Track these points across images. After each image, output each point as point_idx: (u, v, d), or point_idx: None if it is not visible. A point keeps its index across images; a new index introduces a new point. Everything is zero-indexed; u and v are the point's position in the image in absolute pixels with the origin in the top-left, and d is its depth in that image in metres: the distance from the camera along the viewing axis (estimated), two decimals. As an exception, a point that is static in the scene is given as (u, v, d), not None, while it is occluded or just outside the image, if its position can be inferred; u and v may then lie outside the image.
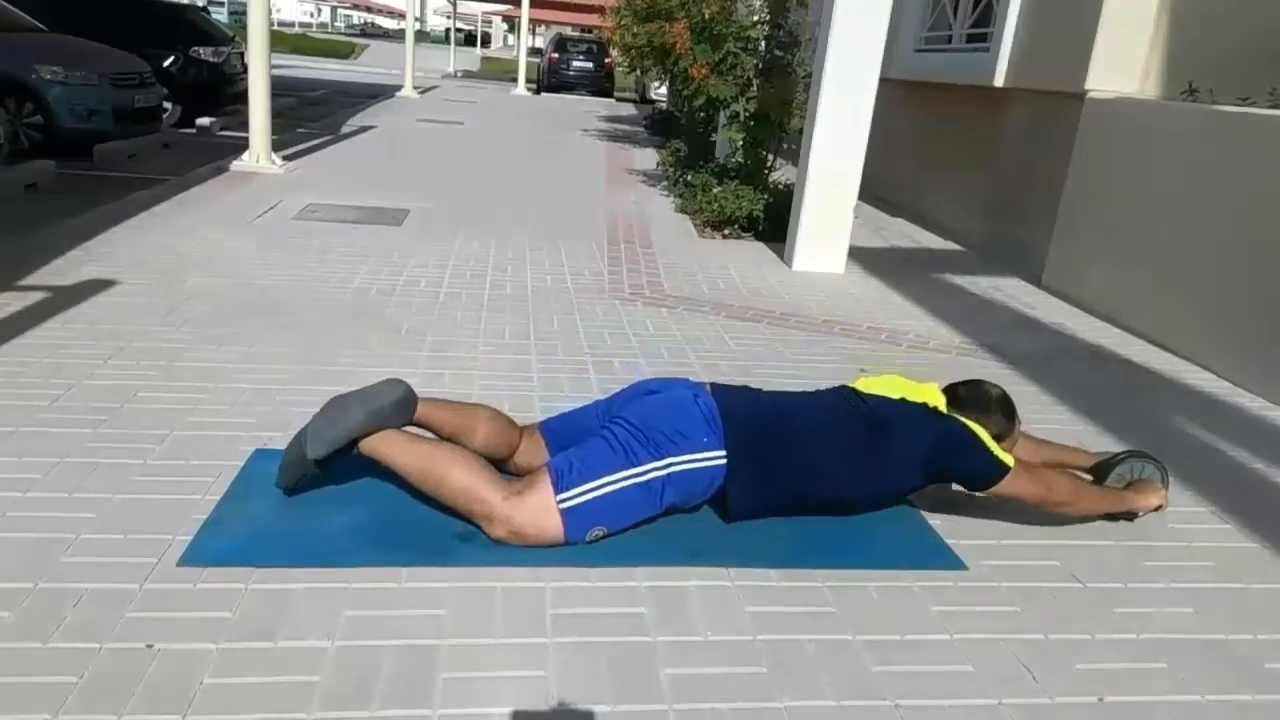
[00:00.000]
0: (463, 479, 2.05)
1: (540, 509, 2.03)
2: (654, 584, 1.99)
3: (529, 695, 1.63)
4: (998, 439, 2.26)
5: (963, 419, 2.24)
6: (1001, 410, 2.35)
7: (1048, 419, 3.15)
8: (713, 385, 2.32)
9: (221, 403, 2.72)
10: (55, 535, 1.97)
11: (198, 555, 1.94)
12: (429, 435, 2.21)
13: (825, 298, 4.53)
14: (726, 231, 5.87)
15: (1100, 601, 2.07)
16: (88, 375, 2.83)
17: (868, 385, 2.39)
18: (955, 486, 2.32)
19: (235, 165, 6.76)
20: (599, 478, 2.05)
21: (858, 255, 5.33)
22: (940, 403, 2.33)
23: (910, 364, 3.61)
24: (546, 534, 2.04)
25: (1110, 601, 2.07)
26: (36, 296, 3.51)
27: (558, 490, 2.03)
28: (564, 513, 2.03)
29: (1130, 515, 2.43)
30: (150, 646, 1.66)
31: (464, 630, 1.78)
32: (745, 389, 2.40)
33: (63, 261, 4.02)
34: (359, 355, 3.20)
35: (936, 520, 2.37)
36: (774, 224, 5.70)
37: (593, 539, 2.07)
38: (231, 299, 3.71)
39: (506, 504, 2.02)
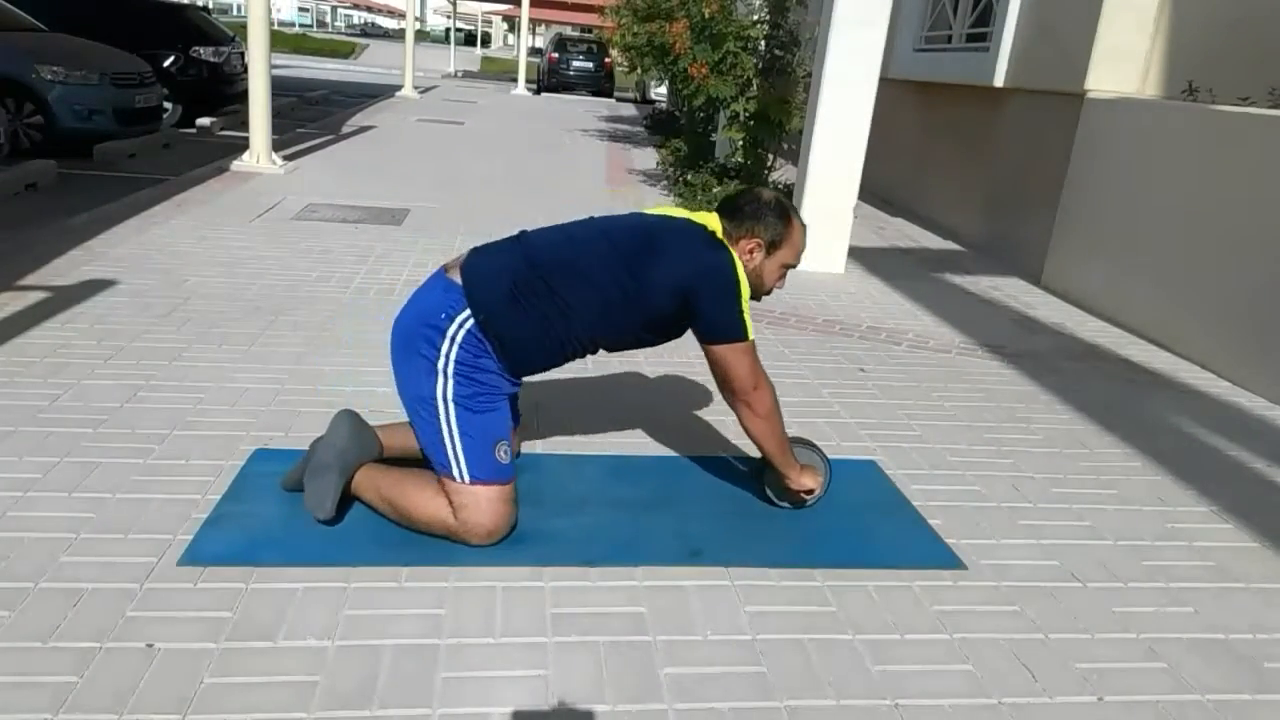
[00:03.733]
0: (421, 516, 2.05)
1: (469, 501, 2.01)
2: (654, 584, 1.99)
3: (529, 695, 1.63)
4: (774, 244, 2.16)
5: (736, 265, 2.08)
6: (772, 211, 2.18)
7: (1048, 419, 3.15)
8: (471, 250, 2.18)
9: (221, 403, 2.72)
10: (55, 535, 1.97)
11: (198, 555, 1.94)
12: (391, 469, 2.16)
13: (825, 297, 4.53)
14: (726, 231, 5.86)
15: (1100, 601, 2.07)
16: (88, 375, 2.83)
17: (658, 209, 2.26)
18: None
19: (235, 165, 6.76)
20: (442, 435, 2.02)
21: (858, 255, 5.33)
22: (718, 228, 2.16)
23: (910, 363, 3.62)
24: (496, 505, 2.03)
25: (1110, 601, 2.07)
26: (36, 296, 3.51)
27: (452, 476, 2.02)
28: (475, 479, 2.01)
29: (794, 501, 2.32)
30: (150, 646, 1.66)
31: (464, 630, 1.79)
32: (501, 240, 2.23)
33: (63, 261, 4.02)
34: (359, 355, 3.20)
35: (936, 520, 2.37)
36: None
37: (506, 457, 2.05)
38: (232, 299, 3.71)
39: (458, 521, 2.02)
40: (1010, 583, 2.11)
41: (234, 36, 10.52)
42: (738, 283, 2.06)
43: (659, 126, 12.94)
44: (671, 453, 2.66)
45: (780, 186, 6.27)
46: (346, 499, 2.13)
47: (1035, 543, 2.31)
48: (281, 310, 3.63)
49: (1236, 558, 2.32)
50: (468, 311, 2.03)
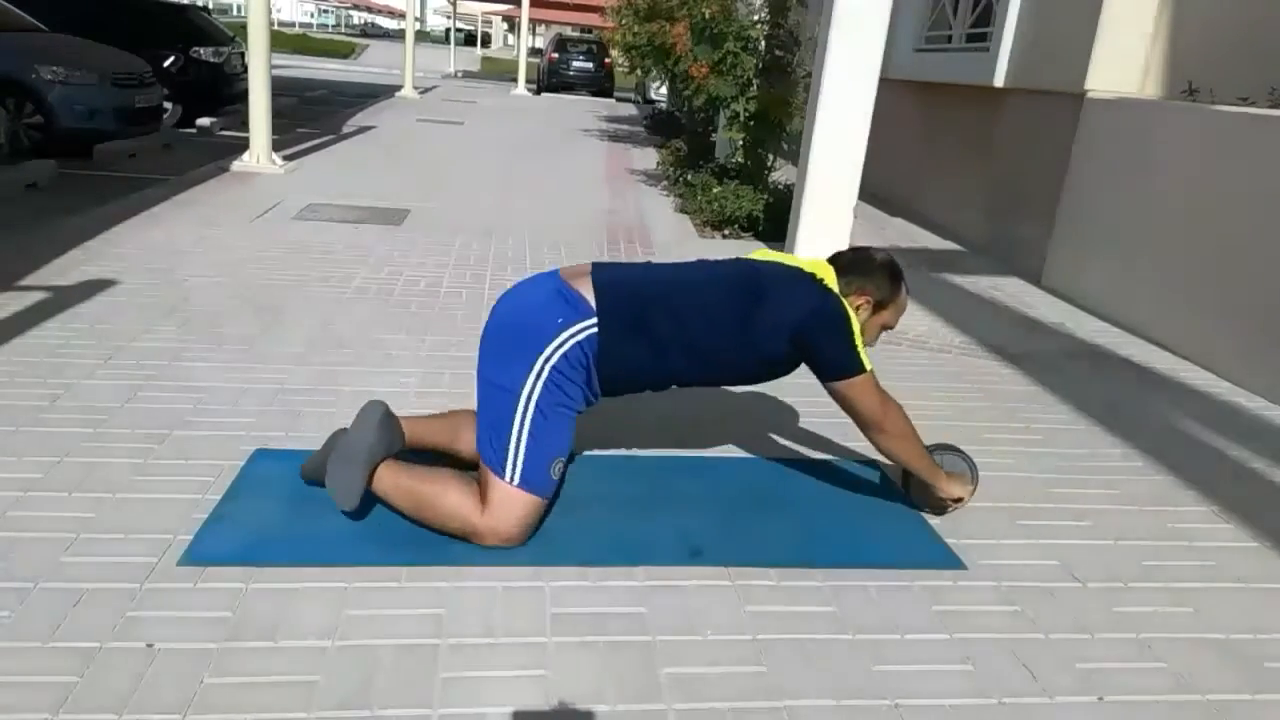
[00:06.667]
0: (443, 508, 2.05)
1: (504, 501, 2.02)
2: (654, 584, 1.99)
3: (529, 695, 1.63)
4: (881, 305, 2.25)
5: (844, 303, 2.17)
6: (885, 272, 2.28)
7: (1048, 419, 3.15)
8: (593, 264, 2.23)
9: (221, 403, 2.72)
10: (55, 535, 1.97)
11: (198, 555, 1.94)
12: (414, 464, 2.16)
13: (825, 298, 4.52)
14: (726, 231, 5.87)
15: (1100, 601, 2.07)
16: (88, 375, 2.83)
17: (763, 255, 2.35)
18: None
19: (236, 165, 6.77)
20: (509, 430, 2.03)
21: (858, 255, 5.32)
22: (830, 276, 2.23)
23: (910, 363, 3.61)
24: (528, 515, 2.05)
25: (1110, 601, 2.07)
26: (36, 296, 3.52)
27: (500, 472, 2.03)
28: (521, 485, 2.03)
29: (939, 507, 2.36)
30: (150, 646, 1.66)
31: (464, 630, 1.79)
32: (627, 263, 2.32)
33: (63, 261, 4.03)
34: (359, 355, 3.20)
35: (936, 520, 2.37)
36: (774, 224, 5.70)
37: (557, 474, 2.08)
38: (231, 299, 3.71)
39: (483, 517, 2.03)
40: (1010, 583, 2.11)
41: (234, 37, 10.52)
42: (848, 320, 2.13)
43: (659, 127, 12.94)
44: (671, 453, 2.66)
45: (781, 186, 6.27)
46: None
47: (1035, 543, 2.31)
48: (281, 310, 3.63)
49: (1236, 558, 2.32)
50: (588, 324, 2.06)
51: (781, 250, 5.26)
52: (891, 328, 2.36)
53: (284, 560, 1.95)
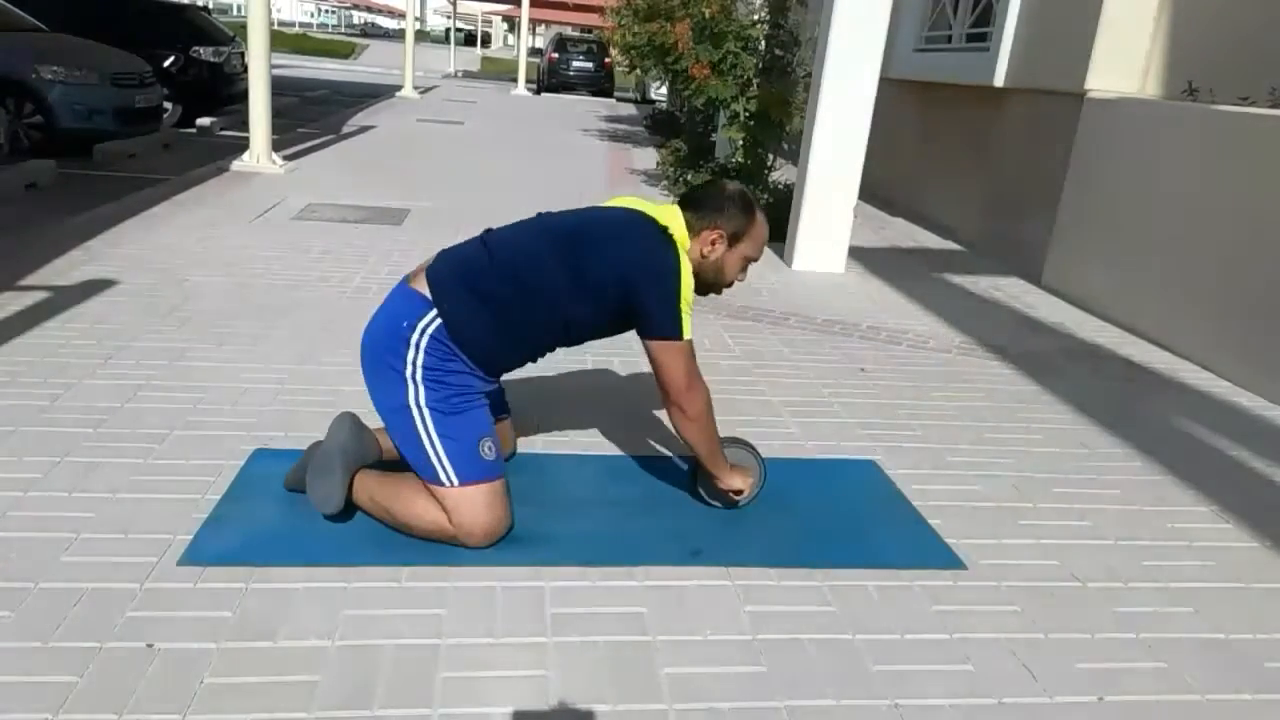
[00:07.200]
0: (418, 523, 2.04)
1: (460, 504, 2.01)
2: (654, 584, 1.99)
3: (529, 695, 1.63)
4: (736, 237, 2.17)
5: (682, 263, 2.07)
6: (735, 204, 2.19)
7: (1048, 419, 3.15)
8: (438, 253, 2.20)
9: (221, 403, 2.72)
10: (55, 535, 1.97)
11: (198, 555, 1.94)
12: (382, 474, 2.16)
13: (825, 297, 4.53)
14: (726, 231, 5.85)
15: (1100, 601, 2.07)
16: (88, 375, 2.83)
17: (617, 201, 2.28)
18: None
19: (235, 165, 6.76)
20: (422, 444, 2.01)
21: (858, 255, 5.33)
22: (677, 223, 2.14)
23: (910, 363, 3.62)
24: (490, 503, 2.03)
25: (1110, 601, 2.07)
26: (36, 296, 3.51)
27: (439, 483, 2.01)
28: (464, 481, 2.01)
29: (722, 499, 2.31)
30: (150, 646, 1.66)
31: (464, 630, 1.79)
32: (465, 240, 2.24)
33: (63, 261, 4.02)
34: (359, 355, 3.19)
35: (936, 520, 2.37)
36: (774, 224, 5.68)
37: (492, 453, 2.05)
38: (231, 298, 3.71)
39: (453, 526, 2.02)
40: (1010, 583, 2.11)
41: (234, 36, 10.52)
42: (678, 281, 2.05)
43: (659, 126, 12.94)
44: (670, 453, 2.66)
45: (781, 186, 6.27)
46: (347, 503, 2.13)
47: (1035, 543, 2.31)
48: (282, 310, 3.63)
49: (1236, 558, 2.32)
50: (430, 314, 2.03)
51: (783, 246, 5.26)
52: (755, 259, 2.28)
53: (284, 560, 1.95)
